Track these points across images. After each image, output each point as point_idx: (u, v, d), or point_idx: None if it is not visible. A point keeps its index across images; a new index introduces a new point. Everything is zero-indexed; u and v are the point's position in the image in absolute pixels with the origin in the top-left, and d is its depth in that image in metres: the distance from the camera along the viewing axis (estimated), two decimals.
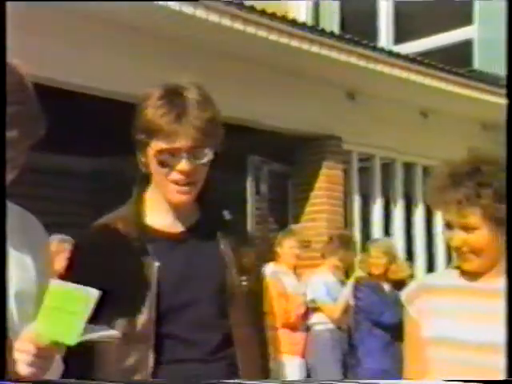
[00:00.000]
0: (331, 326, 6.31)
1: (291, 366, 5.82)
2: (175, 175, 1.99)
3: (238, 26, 6.57)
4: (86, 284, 1.77)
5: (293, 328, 6.12)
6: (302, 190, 8.23)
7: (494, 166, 2.26)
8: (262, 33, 6.72)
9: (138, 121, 2.02)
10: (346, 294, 6.34)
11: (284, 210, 8.28)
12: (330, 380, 2.14)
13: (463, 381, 1.76)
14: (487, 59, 10.14)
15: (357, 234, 8.38)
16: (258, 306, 2.23)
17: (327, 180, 8.12)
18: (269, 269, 6.22)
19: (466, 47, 10.59)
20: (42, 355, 1.61)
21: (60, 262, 5.27)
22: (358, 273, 6.40)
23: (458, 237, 2.23)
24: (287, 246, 6.42)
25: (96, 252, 2.04)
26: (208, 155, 2.02)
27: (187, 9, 6.05)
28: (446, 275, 2.44)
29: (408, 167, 9.20)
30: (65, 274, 2.11)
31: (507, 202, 1.98)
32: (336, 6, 12.03)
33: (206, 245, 2.11)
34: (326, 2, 12.03)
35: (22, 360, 1.61)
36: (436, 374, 2.21)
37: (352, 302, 6.36)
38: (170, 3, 5.89)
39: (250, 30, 6.63)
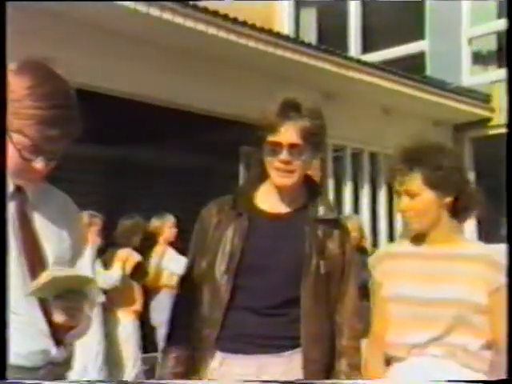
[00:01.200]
0: None
1: None
2: (278, 164, 2.11)
3: (232, 37, 6.53)
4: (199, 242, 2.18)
5: None
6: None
7: (434, 147, 2.29)
8: (252, 43, 6.73)
9: (260, 121, 2.16)
10: None
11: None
12: (330, 380, 2.06)
13: (464, 381, 1.67)
14: (436, 68, 10.16)
15: None
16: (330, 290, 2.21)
17: None
18: None
19: (419, 58, 10.55)
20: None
21: (91, 234, 5.31)
22: None
23: (403, 202, 2.24)
24: None
25: (210, 221, 2.21)
26: (306, 153, 2.11)
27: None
28: (402, 244, 2.40)
29: (373, 156, 9.24)
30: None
31: (507, 201, 1.86)
32: (313, 21, 12.05)
33: (292, 225, 2.17)
34: (305, 17, 11.99)
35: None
36: (395, 327, 2.20)
37: None
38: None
39: (242, 41, 6.63)
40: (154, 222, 6.11)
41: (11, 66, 1.64)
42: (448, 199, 2.22)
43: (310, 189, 2.25)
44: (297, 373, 2.07)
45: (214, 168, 8.37)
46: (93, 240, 5.21)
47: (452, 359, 2.11)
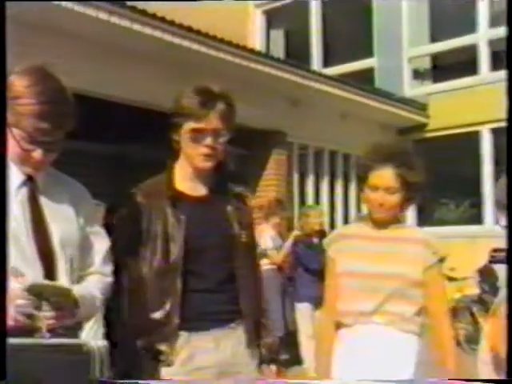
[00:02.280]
0: (275, 266, 6.20)
1: None
2: (203, 149, 1.94)
3: (212, 52, 6.46)
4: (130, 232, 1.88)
5: None
6: (257, 169, 8.11)
7: (407, 148, 2.27)
8: (229, 57, 6.68)
9: (175, 109, 1.97)
10: (287, 246, 6.21)
11: (244, 183, 8.14)
12: (331, 380, 2.00)
13: (465, 380, 1.63)
14: (383, 81, 10.15)
15: (296, 202, 8.42)
16: (253, 254, 2.11)
17: (275, 162, 8.07)
18: None
19: (369, 72, 10.52)
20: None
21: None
22: (296, 232, 6.30)
23: (381, 196, 2.17)
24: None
25: (138, 209, 1.96)
26: (224, 137, 1.97)
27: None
28: (355, 227, 2.37)
29: (332, 154, 9.18)
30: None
31: (507, 201, 1.80)
32: (281, 39, 12.01)
33: (217, 206, 2.03)
34: (274, 36, 11.93)
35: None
36: (345, 297, 2.17)
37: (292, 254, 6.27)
38: None
39: (227, 57, 6.61)
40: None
41: (16, 68, 1.63)
42: (413, 194, 2.21)
43: (219, 168, 2.05)
44: (241, 340, 1.98)
45: None
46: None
47: (392, 325, 2.11)
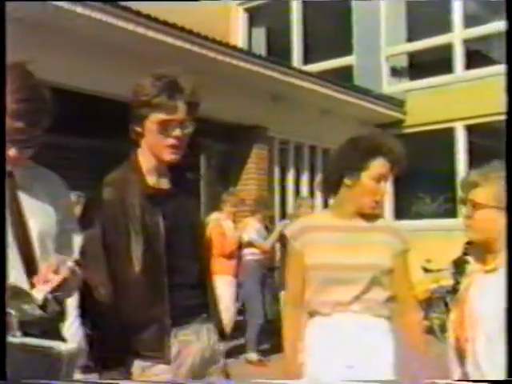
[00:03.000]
0: (257, 257, 6.24)
1: (224, 281, 5.67)
2: (170, 141, 1.82)
3: (195, 48, 6.43)
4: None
5: (228, 257, 5.98)
6: (239, 163, 8.09)
7: (395, 140, 2.22)
8: (211, 54, 6.65)
9: (139, 100, 1.82)
10: (274, 237, 6.26)
11: (227, 177, 8.14)
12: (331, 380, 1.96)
13: (466, 381, 1.62)
14: (362, 78, 10.17)
15: (276, 194, 8.44)
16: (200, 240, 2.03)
17: (256, 157, 8.06)
18: (213, 216, 6.12)
19: (348, 70, 10.56)
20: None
21: (77, 212, 5.20)
22: (285, 221, 6.36)
23: (377, 187, 2.14)
24: (229, 203, 6.26)
25: (111, 201, 1.82)
26: (190, 127, 1.86)
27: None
28: (319, 218, 2.32)
29: (312, 149, 9.19)
30: (83, 219, 1.89)
31: (507, 201, 1.76)
32: (263, 37, 11.99)
33: (184, 198, 1.93)
34: (256, 34, 11.91)
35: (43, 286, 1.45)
36: (321, 289, 2.14)
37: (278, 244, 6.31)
38: None
39: (209, 53, 6.57)
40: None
41: None
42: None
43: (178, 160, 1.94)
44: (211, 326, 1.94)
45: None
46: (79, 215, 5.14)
47: (367, 312, 2.12)
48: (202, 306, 1.90)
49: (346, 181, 2.15)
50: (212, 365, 1.92)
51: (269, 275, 6.42)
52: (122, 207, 1.81)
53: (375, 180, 2.12)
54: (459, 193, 1.94)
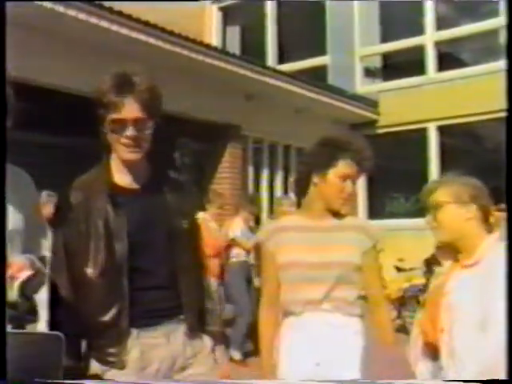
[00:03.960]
0: (242, 259, 6.22)
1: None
2: (124, 140, 1.77)
3: (168, 46, 6.40)
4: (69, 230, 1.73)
5: (213, 257, 5.85)
6: (213, 162, 8.06)
7: (362, 139, 2.26)
8: (185, 52, 6.62)
9: (96, 100, 1.77)
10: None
11: (201, 176, 8.10)
12: (331, 380, 1.92)
13: (463, 381, 1.62)
14: (336, 78, 10.24)
15: (251, 193, 8.42)
16: (196, 242, 1.96)
17: (230, 155, 8.04)
18: (199, 215, 6.07)
19: (323, 69, 10.60)
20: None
21: (48, 210, 5.15)
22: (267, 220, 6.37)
23: (352, 186, 2.17)
24: (214, 203, 6.20)
25: (76, 205, 1.80)
26: (149, 126, 1.79)
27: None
28: (290, 219, 2.33)
29: (286, 148, 9.21)
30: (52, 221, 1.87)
31: (507, 201, 1.78)
32: (237, 36, 11.97)
33: (156, 197, 1.86)
34: (231, 33, 11.88)
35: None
36: (292, 288, 2.15)
37: None
38: None
39: (183, 51, 6.58)
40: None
41: None
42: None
43: (152, 157, 1.90)
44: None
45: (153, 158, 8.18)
46: (49, 215, 5.07)
47: (338, 311, 2.13)
48: (174, 307, 1.83)
49: (314, 178, 2.18)
50: (186, 368, 1.86)
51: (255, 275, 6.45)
52: (87, 208, 1.78)
53: (341, 178, 2.15)
54: (422, 204, 1.98)
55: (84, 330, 1.76)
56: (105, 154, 1.88)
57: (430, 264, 7.25)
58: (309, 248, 2.15)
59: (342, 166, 2.15)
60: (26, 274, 1.49)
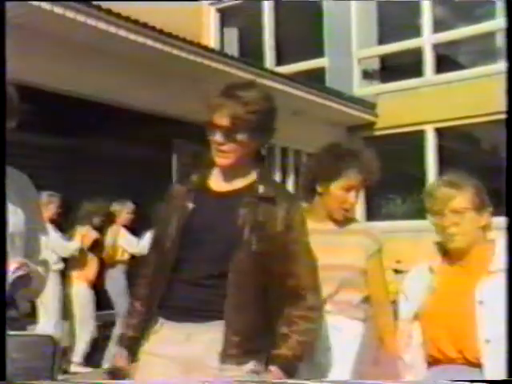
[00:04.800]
0: None
1: None
2: (215, 145, 1.87)
3: (167, 48, 6.40)
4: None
5: None
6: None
7: (365, 151, 2.26)
8: (183, 54, 6.63)
9: (206, 105, 1.91)
10: None
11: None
12: (332, 380, 1.87)
13: (466, 381, 1.61)
14: (334, 81, 10.22)
15: None
16: (263, 265, 1.81)
17: None
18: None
19: (320, 72, 10.58)
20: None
21: (50, 211, 5.20)
22: None
23: (355, 196, 2.18)
24: None
25: (169, 202, 1.94)
26: (241, 136, 1.84)
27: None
28: None
29: (284, 150, 9.22)
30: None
31: (507, 201, 1.78)
32: (235, 38, 11.95)
33: (235, 205, 1.84)
34: (228, 35, 11.87)
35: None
36: None
37: None
38: None
39: (181, 53, 6.58)
40: (115, 206, 5.95)
41: None
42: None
43: (259, 168, 1.93)
44: (219, 340, 1.75)
45: (151, 160, 8.16)
46: (51, 216, 5.16)
47: (341, 314, 2.13)
48: (207, 310, 1.79)
49: (318, 188, 2.20)
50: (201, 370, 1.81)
51: None
52: (173, 204, 1.92)
53: (345, 190, 2.16)
54: (433, 205, 1.95)
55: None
56: (209, 159, 1.95)
57: None
58: (314, 250, 2.13)
59: (348, 178, 2.15)
60: (15, 274, 1.52)
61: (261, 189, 1.86)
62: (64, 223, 5.53)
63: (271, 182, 1.97)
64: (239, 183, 1.90)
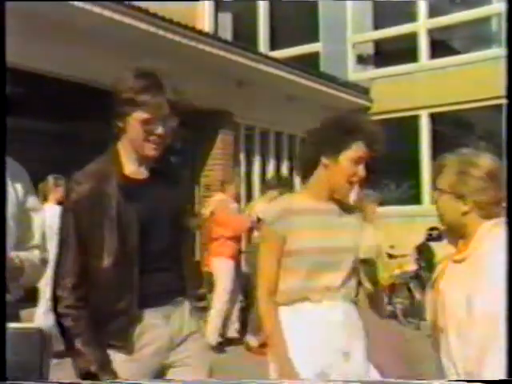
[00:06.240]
0: None
1: (224, 264, 5.67)
2: (153, 138, 1.84)
3: (161, 32, 6.35)
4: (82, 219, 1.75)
5: (236, 239, 5.85)
6: (205, 149, 8.03)
7: (372, 123, 2.17)
8: (177, 38, 6.59)
9: (118, 96, 1.84)
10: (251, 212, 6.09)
11: (195, 162, 8.06)
12: (332, 380, 1.84)
13: (466, 381, 1.59)
14: (328, 65, 10.19)
15: (242, 181, 8.42)
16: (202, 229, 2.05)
17: (222, 142, 8.00)
18: (217, 197, 6.00)
19: (315, 56, 10.54)
20: None
21: (56, 194, 5.17)
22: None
23: (358, 170, 2.04)
24: (233, 183, 6.15)
25: (86, 193, 1.82)
26: (174, 121, 1.87)
27: None
28: (299, 200, 2.13)
29: (278, 135, 9.18)
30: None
31: (507, 201, 1.70)
32: (229, 22, 11.86)
33: (162, 187, 1.92)
34: (222, 19, 11.78)
35: None
36: (308, 274, 2.02)
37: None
38: None
39: (175, 37, 6.56)
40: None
41: None
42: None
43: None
44: (187, 311, 1.95)
45: None
46: (59, 198, 5.10)
47: (348, 298, 2.08)
48: (175, 290, 1.91)
49: (324, 160, 2.04)
50: (185, 351, 1.92)
51: None
52: (98, 198, 1.81)
53: (354, 162, 2.02)
54: (433, 177, 1.89)
55: (95, 316, 1.81)
56: (112, 144, 1.92)
57: (421, 251, 7.29)
58: (322, 232, 2.04)
59: (356, 149, 2.01)
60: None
61: (176, 169, 2.00)
62: None
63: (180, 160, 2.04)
64: (153, 167, 1.92)
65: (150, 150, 1.85)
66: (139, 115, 1.81)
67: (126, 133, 1.87)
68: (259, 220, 5.93)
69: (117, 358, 1.81)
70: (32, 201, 1.81)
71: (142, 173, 1.91)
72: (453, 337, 1.70)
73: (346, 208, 2.14)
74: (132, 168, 1.90)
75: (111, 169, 1.87)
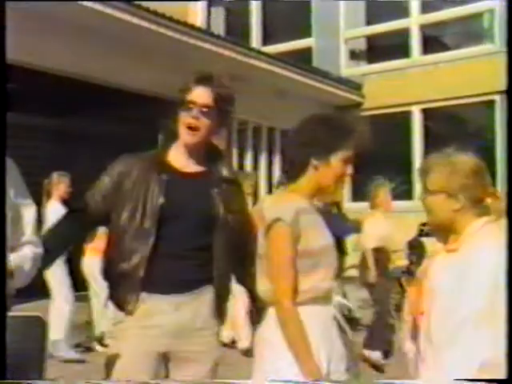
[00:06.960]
0: None
1: None
2: (189, 119, 2.00)
3: (154, 27, 6.33)
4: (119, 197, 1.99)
5: None
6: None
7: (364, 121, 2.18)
8: (169, 32, 6.60)
9: (181, 87, 2.06)
10: None
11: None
12: (332, 381, 1.77)
13: (468, 380, 1.61)
14: (320, 61, 10.18)
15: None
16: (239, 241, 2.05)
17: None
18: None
19: (307, 51, 10.54)
20: None
21: (60, 190, 5.15)
22: None
23: (351, 168, 2.04)
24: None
25: (123, 172, 2.05)
26: (213, 117, 2.01)
27: None
28: (298, 199, 2.03)
29: (270, 130, 9.19)
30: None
31: (507, 201, 1.73)
32: (222, 17, 11.85)
33: (204, 184, 2.06)
34: (215, 15, 11.77)
35: None
36: (324, 274, 1.97)
37: None
38: None
39: (167, 32, 6.56)
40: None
41: None
42: None
43: (212, 153, 2.11)
44: (205, 305, 2.01)
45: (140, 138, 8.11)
46: (62, 195, 5.13)
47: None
48: (193, 280, 1.98)
49: (314, 162, 2.00)
50: (196, 345, 1.98)
51: None
52: (134, 176, 2.01)
53: (344, 162, 2.00)
54: (419, 178, 1.92)
55: (107, 276, 2.04)
56: (165, 141, 2.12)
57: (413, 246, 7.32)
58: (324, 231, 2.03)
59: (346, 150, 1.99)
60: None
61: (224, 171, 2.09)
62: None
63: (230, 165, 2.12)
64: (200, 165, 2.07)
65: (184, 135, 2.00)
66: (184, 98, 2.01)
67: (178, 133, 2.03)
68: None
69: (130, 324, 1.94)
70: (21, 196, 1.80)
71: (189, 167, 2.05)
72: (436, 319, 1.73)
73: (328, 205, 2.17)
74: (180, 160, 2.04)
75: (154, 157, 2.06)
